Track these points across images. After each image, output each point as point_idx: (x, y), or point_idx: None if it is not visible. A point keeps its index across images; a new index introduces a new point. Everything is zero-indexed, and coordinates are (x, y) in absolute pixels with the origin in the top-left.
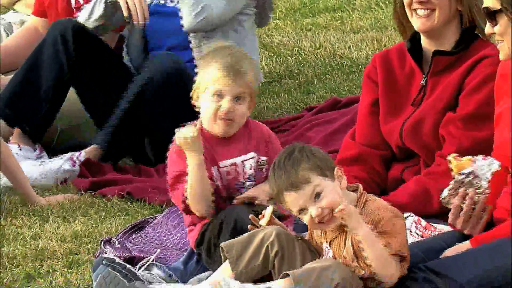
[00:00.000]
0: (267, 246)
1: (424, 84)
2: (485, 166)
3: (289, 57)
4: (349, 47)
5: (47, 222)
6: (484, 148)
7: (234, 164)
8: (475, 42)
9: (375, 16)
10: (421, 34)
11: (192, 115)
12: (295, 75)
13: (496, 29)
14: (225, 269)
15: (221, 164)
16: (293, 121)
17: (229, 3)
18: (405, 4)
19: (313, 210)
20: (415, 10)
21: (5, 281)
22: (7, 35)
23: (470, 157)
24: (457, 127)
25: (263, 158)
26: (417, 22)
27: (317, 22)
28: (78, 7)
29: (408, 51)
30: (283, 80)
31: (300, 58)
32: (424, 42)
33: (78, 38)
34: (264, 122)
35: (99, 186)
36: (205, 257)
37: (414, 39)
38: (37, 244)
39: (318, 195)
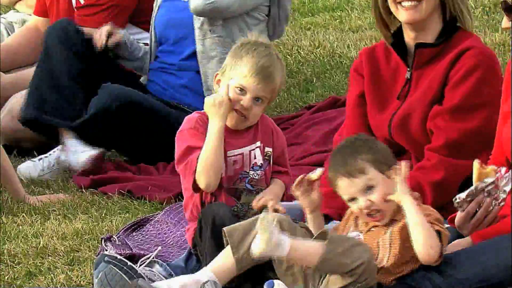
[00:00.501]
0: None
1: (409, 77)
2: (506, 179)
3: (288, 56)
4: (348, 46)
5: (48, 219)
6: (471, 139)
7: (242, 154)
8: (456, 33)
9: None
10: (404, 28)
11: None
12: (294, 74)
13: None
14: (227, 254)
15: (229, 154)
16: (293, 120)
17: None
18: None
19: (362, 202)
20: (400, 3)
21: (6, 278)
22: (8, 34)
23: (494, 167)
24: (444, 120)
25: (268, 149)
26: (404, 15)
27: (316, 21)
28: (79, 7)
29: (391, 46)
30: None
31: (299, 57)
32: (407, 35)
33: (77, 35)
34: None
35: (100, 184)
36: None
37: (397, 34)
38: (38, 242)
39: (370, 187)
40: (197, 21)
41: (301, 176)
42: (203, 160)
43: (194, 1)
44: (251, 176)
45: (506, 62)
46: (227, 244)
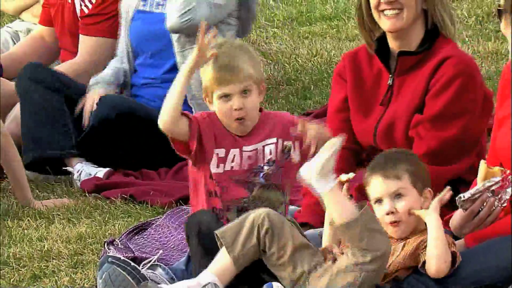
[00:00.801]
0: (258, 226)
1: (391, 84)
2: (510, 180)
3: (286, 64)
4: None
5: (52, 223)
6: (451, 146)
7: (256, 149)
8: (437, 40)
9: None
10: (387, 35)
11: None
12: (292, 81)
13: None
14: (223, 255)
15: (244, 148)
16: None
17: (214, 11)
18: (372, 6)
19: (387, 206)
20: (383, 11)
21: (11, 280)
22: (14, 43)
23: (501, 168)
24: (426, 128)
25: (287, 143)
26: (386, 23)
27: (314, 31)
28: (83, 16)
29: (375, 52)
30: (281, 86)
31: (297, 65)
32: (391, 42)
33: (47, 72)
34: None
35: (103, 189)
36: None
37: (380, 39)
38: (43, 245)
39: (399, 195)
40: (174, 35)
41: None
42: (166, 98)
43: (170, 20)
44: (265, 170)
45: (499, 70)
46: (221, 246)
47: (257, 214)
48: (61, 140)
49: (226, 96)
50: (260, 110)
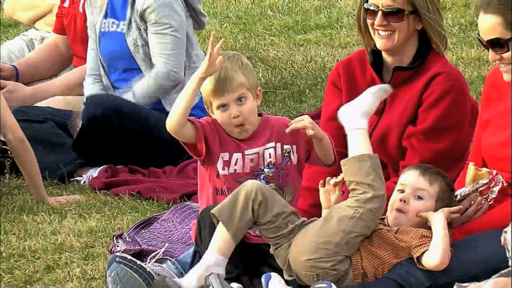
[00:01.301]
0: (252, 200)
1: None
2: (495, 180)
3: (283, 70)
4: (337, 61)
5: (65, 218)
6: (443, 158)
7: (257, 153)
8: (429, 57)
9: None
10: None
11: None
12: (288, 85)
13: (507, 55)
14: (222, 232)
15: (246, 152)
16: None
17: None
18: (369, 24)
19: (404, 194)
20: (377, 30)
21: (27, 271)
22: (29, 50)
23: (487, 169)
24: (419, 140)
25: (287, 146)
26: (379, 42)
27: (309, 39)
28: None
29: (370, 65)
30: (278, 90)
31: (293, 70)
32: (385, 56)
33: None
34: None
35: (112, 186)
36: None
37: (375, 52)
38: (56, 239)
39: (420, 198)
40: (138, 55)
41: (328, 178)
42: (179, 101)
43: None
44: (266, 173)
45: (482, 76)
46: (218, 223)
47: (249, 188)
48: (66, 158)
49: (223, 106)
50: (260, 114)
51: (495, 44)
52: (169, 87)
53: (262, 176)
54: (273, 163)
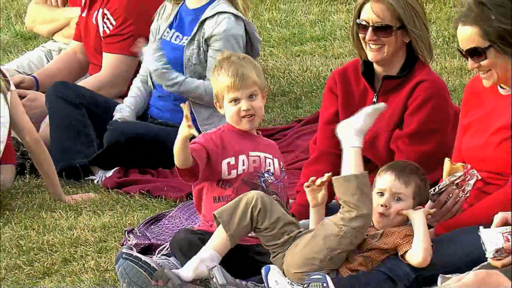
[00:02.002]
0: (252, 207)
1: (375, 102)
2: (470, 174)
3: (281, 78)
4: (331, 70)
5: (80, 215)
6: (427, 159)
7: (259, 156)
8: (415, 66)
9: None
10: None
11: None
12: (286, 93)
13: (485, 62)
14: (220, 232)
15: (250, 153)
16: (285, 131)
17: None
18: (361, 38)
19: (384, 199)
20: (368, 43)
21: (45, 264)
22: (48, 60)
23: (462, 163)
24: (405, 143)
25: (282, 163)
26: (370, 54)
27: (305, 50)
28: (105, 36)
29: (362, 74)
30: (276, 97)
31: (290, 79)
32: (376, 66)
33: (70, 89)
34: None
35: (124, 185)
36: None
37: (366, 62)
38: (72, 233)
39: (399, 199)
40: (187, 69)
41: (312, 178)
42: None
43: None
44: (265, 177)
45: (463, 84)
46: (219, 224)
47: (250, 196)
48: (85, 150)
49: (235, 101)
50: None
51: (473, 53)
52: (205, 103)
53: (262, 180)
54: (271, 172)
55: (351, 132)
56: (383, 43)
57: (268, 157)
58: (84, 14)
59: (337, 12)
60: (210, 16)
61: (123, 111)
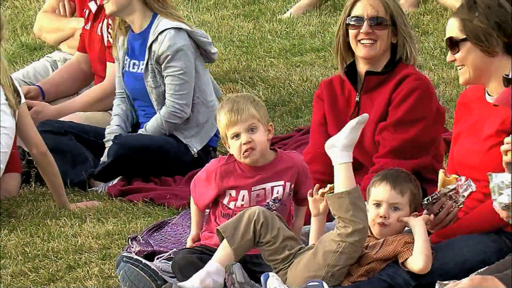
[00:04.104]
0: (254, 221)
1: (358, 101)
2: (465, 186)
3: (281, 88)
4: None
5: (84, 222)
6: (410, 146)
7: (264, 189)
8: (398, 65)
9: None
10: (358, 61)
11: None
12: (286, 103)
13: (458, 55)
14: (225, 246)
15: (253, 189)
16: (285, 140)
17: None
18: (351, 37)
19: (383, 211)
20: (360, 41)
21: (50, 270)
22: (53, 70)
23: (456, 176)
24: (389, 132)
25: (292, 185)
26: (362, 50)
27: (305, 60)
28: (109, 47)
29: (345, 74)
30: (277, 107)
31: (290, 89)
32: (360, 67)
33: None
34: None
35: (127, 193)
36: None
37: (350, 65)
38: (76, 240)
39: (396, 208)
40: (152, 95)
41: (317, 186)
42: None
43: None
44: (270, 206)
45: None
46: (222, 239)
47: (252, 211)
48: (83, 168)
49: (236, 136)
50: (275, 150)
51: (450, 43)
52: (175, 123)
53: (266, 207)
54: (279, 199)
55: (338, 149)
56: (376, 38)
57: (276, 186)
58: (87, 27)
59: (336, 23)
60: (155, 39)
61: (114, 131)
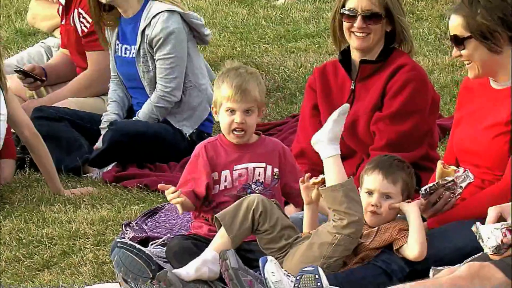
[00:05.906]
0: (253, 210)
1: (353, 88)
2: (463, 177)
3: (276, 74)
4: None
5: (79, 208)
6: (406, 138)
7: (246, 168)
8: (393, 53)
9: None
10: (352, 49)
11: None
12: (281, 89)
13: (465, 52)
14: (222, 234)
15: (235, 167)
16: (280, 126)
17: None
18: (344, 27)
19: (372, 200)
20: (353, 32)
21: (45, 256)
22: (47, 56)
23: (454, 168)
24: (385, 124)
25: (276, 170)
26: (355, 42)
27: (299, 46)
28: (84, 36)
29: (339, 62)
30: (271, 93)
31: (285, 75)
32: (354, 55)
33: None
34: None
35: (122, 179)
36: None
37: (344, 52)
38: (71, 227)
39: (388, 197)
40: (144, 80)
41: (308, 175)
42: None
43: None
44: (252, 189)
45: (455, 80)
46: (220, 227)
47: (251, 200)
48: (77, 154)
49: (231, 111)
50: (259, 134)
51: (455, 41)
52: (166, 108)
53: (249, 191)
54: (261, 181)
55: (324, 143)
56: (369, 31)
57: (258, 167)
58: (63, 22)
59: (330, 9)
60: (148, 24)
61: (112, 119)
